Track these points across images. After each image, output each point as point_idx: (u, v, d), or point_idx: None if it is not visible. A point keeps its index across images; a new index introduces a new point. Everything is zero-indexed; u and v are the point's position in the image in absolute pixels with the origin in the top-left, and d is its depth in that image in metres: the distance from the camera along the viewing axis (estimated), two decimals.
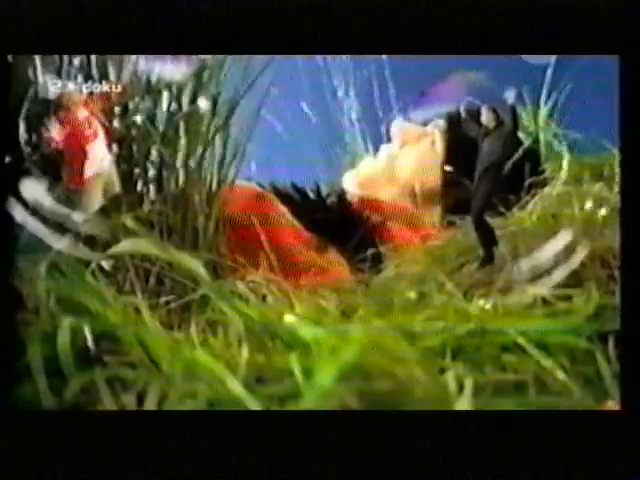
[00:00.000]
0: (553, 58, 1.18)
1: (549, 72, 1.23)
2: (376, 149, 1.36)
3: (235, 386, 0.49)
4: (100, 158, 0.85)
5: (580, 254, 0.70)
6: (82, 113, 0.85)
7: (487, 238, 0.86)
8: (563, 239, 0.73)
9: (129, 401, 0.51)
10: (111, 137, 0.87)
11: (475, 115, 1.11)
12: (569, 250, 0.71)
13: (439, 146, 1.19)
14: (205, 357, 0.53)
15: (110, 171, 0.86)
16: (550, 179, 1.06)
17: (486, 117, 1.04)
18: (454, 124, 1.16)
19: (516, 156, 1.04)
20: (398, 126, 1.25)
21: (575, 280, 0.72)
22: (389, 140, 1.30)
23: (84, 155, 0.84)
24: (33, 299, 0.58)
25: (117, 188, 0.87)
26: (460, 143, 1.14)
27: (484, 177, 0.96)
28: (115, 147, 0.89)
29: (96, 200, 0.85)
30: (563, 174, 1.04)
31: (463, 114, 1.13)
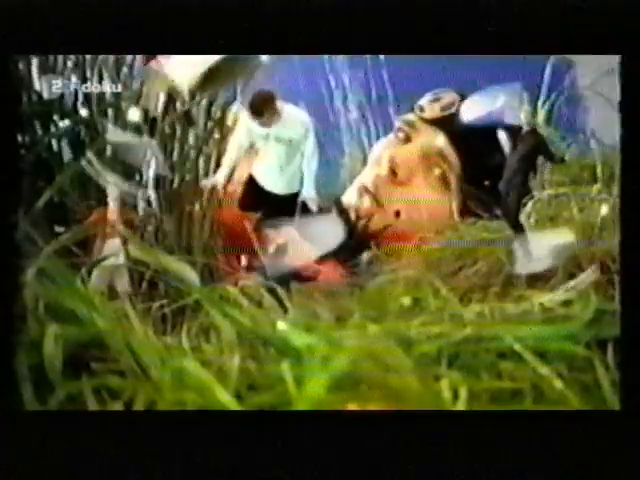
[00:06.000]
0: (553, 58, 1.18)
1: (549, 72, 1.22)
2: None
3: (224, 395, 0.48)
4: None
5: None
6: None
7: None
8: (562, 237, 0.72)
9: (116, 409, 0.51)
10: None
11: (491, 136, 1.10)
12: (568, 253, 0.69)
13: (447, 148, 1.19)
14: (195, 365, 0.52)
15: None
16: (548, 180, 1.05)
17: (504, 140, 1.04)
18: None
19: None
20: (403, 121, 1.25)
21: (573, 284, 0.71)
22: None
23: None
24: (21, 305, 0.57)
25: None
26: (474, 155, 1.13)
27: (511, 185, 0.96)
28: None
29: None
30: (562, 175, 1.02)
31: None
